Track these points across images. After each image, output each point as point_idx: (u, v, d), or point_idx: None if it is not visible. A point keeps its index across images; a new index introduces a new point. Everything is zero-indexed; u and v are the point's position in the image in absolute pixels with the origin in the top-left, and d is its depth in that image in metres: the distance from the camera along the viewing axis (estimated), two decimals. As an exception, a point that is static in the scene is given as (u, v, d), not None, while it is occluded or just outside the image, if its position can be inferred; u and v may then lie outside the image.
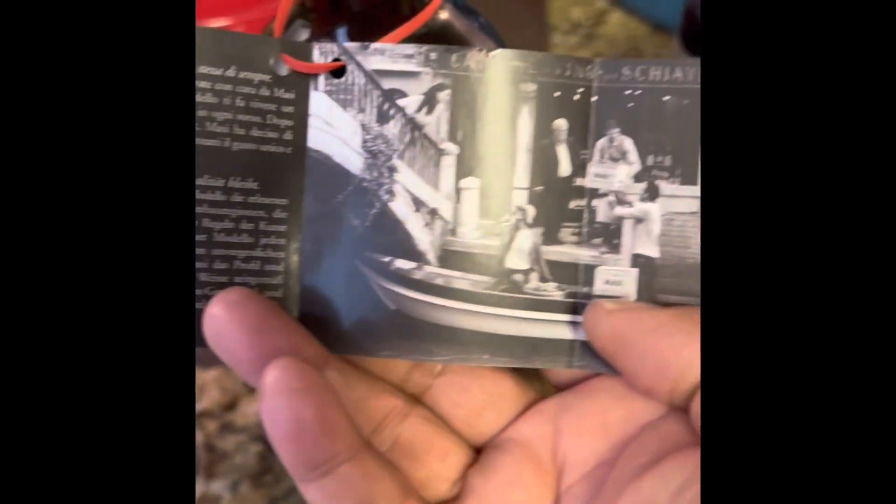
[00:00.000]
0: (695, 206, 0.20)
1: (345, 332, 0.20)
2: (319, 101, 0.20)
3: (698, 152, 0.20)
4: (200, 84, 0.19)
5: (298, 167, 0.20)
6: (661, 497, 0.18)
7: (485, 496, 0.20)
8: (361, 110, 0.20)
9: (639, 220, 0.20)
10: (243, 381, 0.18)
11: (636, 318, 0.19)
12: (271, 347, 0.18)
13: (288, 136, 0.20)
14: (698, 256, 0.20)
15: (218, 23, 0.31)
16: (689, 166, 0.20)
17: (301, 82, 0.20)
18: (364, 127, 0.20)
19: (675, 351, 0.18)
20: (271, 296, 0.20)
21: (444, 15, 0.22)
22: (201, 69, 0.19)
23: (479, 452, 0.22)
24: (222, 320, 0.18)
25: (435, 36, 0.22)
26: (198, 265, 0.19)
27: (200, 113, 0.19)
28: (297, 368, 0.17)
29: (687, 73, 0.20)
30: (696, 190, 0.20)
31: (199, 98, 0.19)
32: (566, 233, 0.20)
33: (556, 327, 0.20)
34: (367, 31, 0.22)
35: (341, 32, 0.22)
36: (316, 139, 0.20)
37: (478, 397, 0.22)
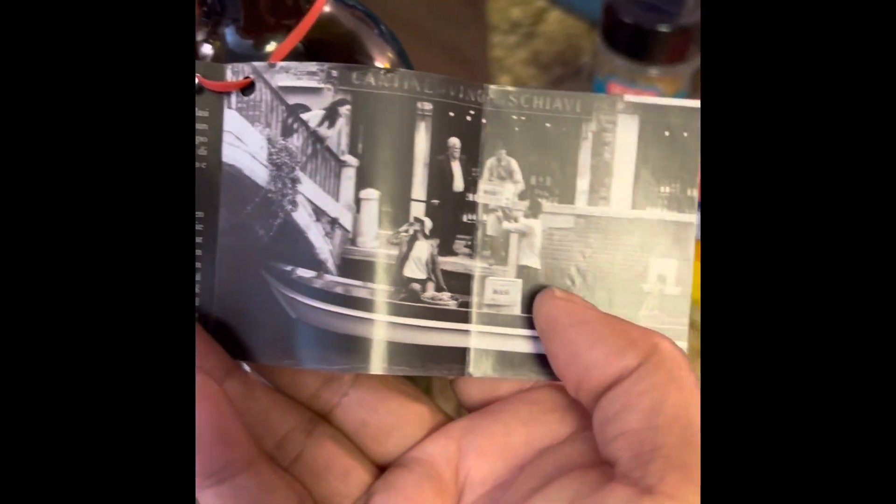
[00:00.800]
0: (571, 222, 0.22)
1: (250, 340, 0.21)
2: (232, 118, 0.21)
3: (575, 174, 0.22)
4: None
5: (213, 181, 0.21)
6: None
7: None
8: (268, 125, 0.21)
9: (523, 235, 0.22)
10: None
11: (571, 310, 0.20)
12: None
13: (202, 151, 0.21)
14: (573, 266, 0.22)
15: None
16: (567, 187, 0.22)
17: (214, 101, 0.21)
18: (270, 140, 0.21)
19: (587, 347, 0.19)
20: None
21: (327, 8, 0.23)
22: None
23: (384, 471, 0.22)
24: None
25: (320, 28, 0.23)
26: None
27: None
28: (196, 380, 0.18)
29: (565, 104, 0.22)
30: (572, 208, 0.22)
31: None
32: (459, 244, 0.22)
33: (451, 335, 0.21)
34: (254, 26, 0.22)
35: (229, 31, 0.23)
36: (229, 154, 0.21)
37: (385, 418, 0.22)
